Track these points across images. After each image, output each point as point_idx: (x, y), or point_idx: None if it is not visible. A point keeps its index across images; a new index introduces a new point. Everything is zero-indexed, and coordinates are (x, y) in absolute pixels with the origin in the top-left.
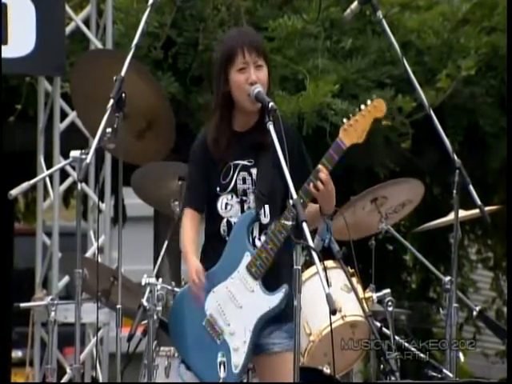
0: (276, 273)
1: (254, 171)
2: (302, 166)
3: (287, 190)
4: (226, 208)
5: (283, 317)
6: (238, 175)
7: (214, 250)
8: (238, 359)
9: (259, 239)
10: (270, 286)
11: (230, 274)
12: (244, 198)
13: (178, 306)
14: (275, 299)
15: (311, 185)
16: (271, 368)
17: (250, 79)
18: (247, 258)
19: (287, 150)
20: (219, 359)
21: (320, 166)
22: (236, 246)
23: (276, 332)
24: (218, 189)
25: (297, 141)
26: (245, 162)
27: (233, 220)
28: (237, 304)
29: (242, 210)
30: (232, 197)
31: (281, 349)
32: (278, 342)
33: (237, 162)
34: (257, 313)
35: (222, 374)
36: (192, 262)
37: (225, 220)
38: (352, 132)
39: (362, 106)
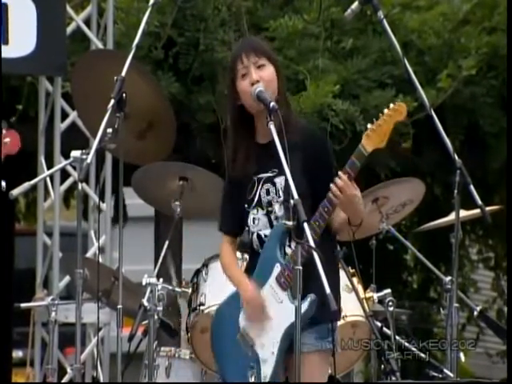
0: (309, 280)
1: (278, 180)
2: (325, 175)
3: (315, 193)
4: (254, 223)
5: (313, 318)
6: (261, 188)
7: (251, 265)
8: (267, 370)
9: (289, 246)
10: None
11: (262, 286)
12: (269, 209)
13: (217, 323)
14: (301, 308)
15: (329, 193)
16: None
17: (251, 79)
18: (277, 270)
19: (310, 154)
20: (249, 372)
21: (340, 173)
22: (267, 259)
23: (305, 332)
24: (246, 205)
25: (322, 147)
26: (268, 174)
27: (262, 233)
28: (267, 316)
29: (270, 221)
30: (257, 211)
31: (308, 350)
32: (307, 343)
33: (260, 175)
34: (284, 324)
35: None
36: (248, 287)
37: (255, 235)
38: (374, 137)
39: (385, 110)
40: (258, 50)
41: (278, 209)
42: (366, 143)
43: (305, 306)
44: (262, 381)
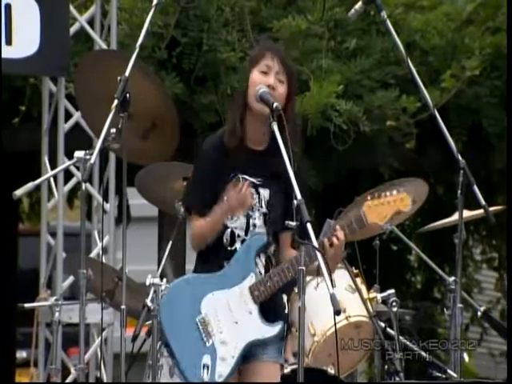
0: (280, 302)
1: (262, 191)
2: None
3: (286, 216)
4: (231, 218)
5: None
6: (246, 190)
7: (214, 255)
8: (224, 370)
9: (258, 257)
10: (271, 312)
11: (232, 286)
12: (250, 212)
13: (171, 298)
14: (270, 332)
15: (326, 239)
16: (255, 375)
17: (268, 82)
18: (251, 279)
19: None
20: (204, 361)
21: (338, 227)
22: (243, 263)
23: (268, 343)
24: (225, 198)
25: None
26: (253, 180)
27: (237, 232)
28: (232, 318)
29: (247, 225)
30: None
31: (267, 359)
32: (268, 353)
33: (246, 176)
34: (249, 336)
35: (206, 377)
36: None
37: (229, 230)
38: (375, 212)
39: (388, 193)
40: (286, 65)
41: (257, 217)
42: (367, 213)
43: (275, 330)
44: (217, 378)
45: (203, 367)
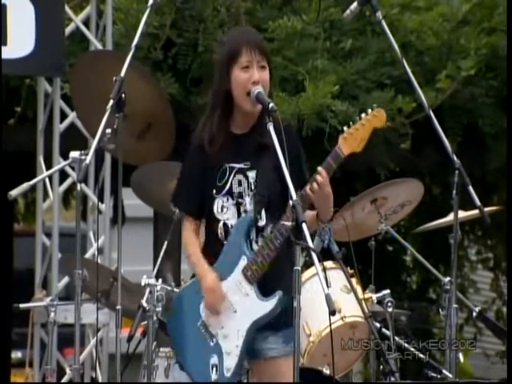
0: (276, 277)
1: (250, 174)
2: (297, 172)
3: (285, 194)
4: (222, 211)
5: (280, 322)
6: (233, 178)
7: (211, 252)
8: (231, 362)
9: (256, 242)
10: (269, 290)
11: (226, 277)
12: (240, 200)
13: (176, 306)
14: (269, 305)
15: (307, 187)
16: (266, 373)
17: (253, 78)
18: (243, 262)
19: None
20: (212, 362)
21: (319, 169)
22: (233, 250)
23: (272, 337)
24: (214, 191)
25: (296, 146)
26: (241, 165)
27: (229, 222)
28: (231, 308)
29: (238, 213)
30: (228, 199)
31: (277, 354)
32: (274, 348)
33: (232, 164)
34: (250, 318)
35: (214, 377)
36: (209, 276)
37: (221, 222)
38: (351, 141)
39: (363, 115)
40: (263, 50)
41: (248, 202)
42: (342, 146)
43: (273, 302)
44: (225, 373)
45: (212, 368)
